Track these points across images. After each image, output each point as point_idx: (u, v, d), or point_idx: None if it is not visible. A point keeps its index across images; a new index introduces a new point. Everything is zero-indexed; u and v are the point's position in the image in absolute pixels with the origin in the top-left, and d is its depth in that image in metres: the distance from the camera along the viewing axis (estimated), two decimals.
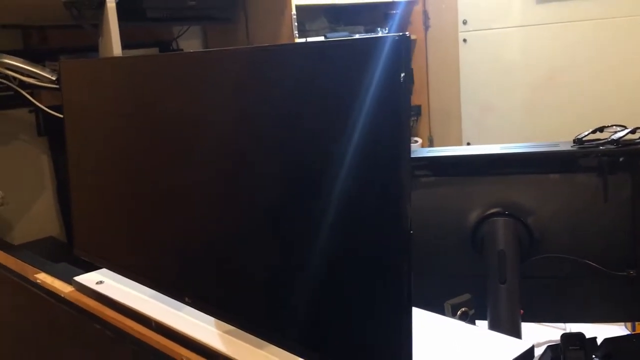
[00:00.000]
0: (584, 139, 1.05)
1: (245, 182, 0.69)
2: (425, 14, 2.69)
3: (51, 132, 1.98)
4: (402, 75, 0.50)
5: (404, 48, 0.50)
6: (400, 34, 0.50)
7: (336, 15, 2.71)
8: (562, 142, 1.10)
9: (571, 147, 1.06)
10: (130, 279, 0.95)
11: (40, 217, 2.00)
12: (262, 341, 0.74)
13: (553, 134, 2.40)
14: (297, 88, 0.59)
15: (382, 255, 0.54)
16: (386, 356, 0.56)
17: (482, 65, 2.57)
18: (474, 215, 1.12)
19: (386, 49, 0.50)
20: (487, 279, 1.05)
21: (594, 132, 1.07)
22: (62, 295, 1.03)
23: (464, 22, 2.59)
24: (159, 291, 0.89)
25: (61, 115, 1.03)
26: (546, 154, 1.08)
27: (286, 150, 0.62)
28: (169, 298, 0.87)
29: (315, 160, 0.58)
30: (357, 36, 2.36)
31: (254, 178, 0.67)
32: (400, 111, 0.51)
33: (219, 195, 0.73)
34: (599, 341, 1.11)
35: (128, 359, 0.87)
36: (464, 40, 2.60)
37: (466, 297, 0.99)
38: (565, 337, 1.06)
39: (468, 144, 2.66)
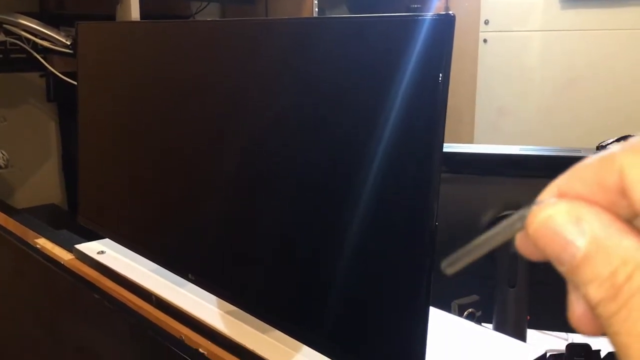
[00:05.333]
0: (607, 146, 1.02)
1: (267, 159, 0.66)
2: (447, 9, 2.66)
3: (61, 98, 1.95)
4: (443, 59, 0.48)
5: (447, 28, 0.48)
6: (444, 13, 0.48)
7: (357, 4, 2.67)
8: (584, 148, 1.08)
9: (593, 154, 1.03)
10: (134, 251, 0.92)
11: (44, 183, 1.97)
12: (266, 325, 0.72)
13: (568, 142, 2.37)
14: (331, 64, 0.56)
15: (405, 249, 0.52)
16: (399, 353, 0.54)
17: (500, 68, 2.54)
18: (487, 216, 1.10)
19: (427, 28, 0.48)
20: (495, 281, 1.02)
21: (617, 140, 1.04)
22: (62, 262, 1.01)
23: (486, 22, 2.55)
24: (162, 266, 0.86)
25: (73, 82, 1.01)
26: (568, 158, 1.05)
27: (315, 130, 0.59)
28: (172, 275, 0.85)
29: (344, 144, 0.56)
30: None
31: (277, 157, 0.64)
32: (437, 99, 0.48)
33: (238, 169, 0.71)
34: (602, 354, 1.09)
35: (126, 332, 0.85)
36: (484, 41, 2.56)
37: (474, 298, 0.97)
38: (571, 346, 1.04)
39: None
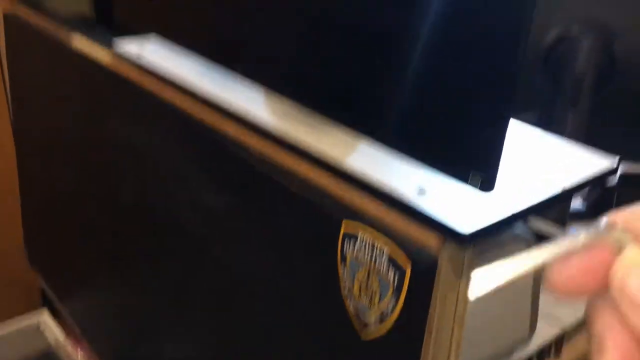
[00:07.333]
0: None
1: None
2: None
3: None
4: None
5: None
6: None
7: None
8: None
9: None
10: (178, 43, 0.87)
11: None
12: (316, 121, 0.68)
13: None
14: None
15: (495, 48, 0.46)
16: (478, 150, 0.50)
17: None
18: (553, 33, 1.01)
19: None
20: (556, 99, 0.97)
21: None
22: (101, 62, 0.96)
23: None
24: (208, 57, 0.81)
25: None
26: None
27: None
28: (219, 73, 0.80)
29: None
30: None
31: None
32: None
33: None
34: None
35: (170, 130, 0.82)
36: None
37: (531, 115, 0.92)
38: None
39: None
